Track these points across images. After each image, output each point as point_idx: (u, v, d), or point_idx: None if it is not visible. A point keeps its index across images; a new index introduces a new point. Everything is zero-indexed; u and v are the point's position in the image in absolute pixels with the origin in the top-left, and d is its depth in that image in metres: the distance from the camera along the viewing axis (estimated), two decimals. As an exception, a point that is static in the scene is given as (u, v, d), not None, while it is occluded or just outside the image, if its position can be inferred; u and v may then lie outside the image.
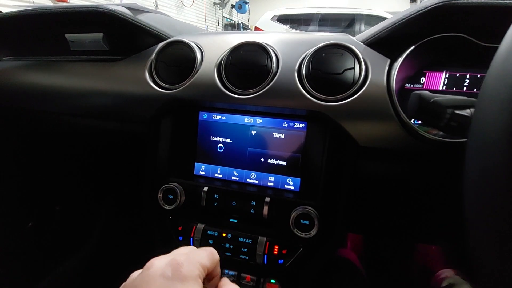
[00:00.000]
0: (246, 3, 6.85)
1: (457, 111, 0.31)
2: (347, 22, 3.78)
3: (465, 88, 0.52)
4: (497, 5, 0.42)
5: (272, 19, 3.95)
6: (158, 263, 0.28)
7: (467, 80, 0.52)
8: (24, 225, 1.01)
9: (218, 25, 7.65)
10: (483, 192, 0.22)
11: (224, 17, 7.76)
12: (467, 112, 0.31)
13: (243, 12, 7.25)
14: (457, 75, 0.52)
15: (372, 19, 3.64)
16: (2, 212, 0.92)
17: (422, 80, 0.53)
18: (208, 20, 6.95)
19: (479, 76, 0.52)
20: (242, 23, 7.83)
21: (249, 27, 8.34)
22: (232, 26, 7.92)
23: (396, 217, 0.66)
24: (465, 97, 0.32)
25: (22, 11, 0.61)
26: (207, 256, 0.30)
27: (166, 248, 0.49)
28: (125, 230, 1.05)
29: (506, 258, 0.19)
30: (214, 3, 7.24)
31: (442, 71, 0.52)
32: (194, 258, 0.29)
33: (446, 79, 0.53)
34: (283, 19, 3.97)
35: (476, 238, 0.23)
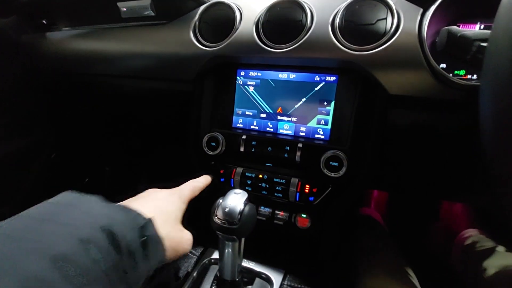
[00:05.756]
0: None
1: (483, 44, 0.33)
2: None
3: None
4: None
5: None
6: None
7: None
8: (82, 180, 1.18)
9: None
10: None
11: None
12: None
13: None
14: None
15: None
16: (66, 171, 1.08)
17: None
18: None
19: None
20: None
21: None
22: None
23: (422, 171, 0.66)
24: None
25: None
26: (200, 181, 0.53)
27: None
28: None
29: None
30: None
31: (476, 23, 0.51)
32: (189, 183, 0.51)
33: None
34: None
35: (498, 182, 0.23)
